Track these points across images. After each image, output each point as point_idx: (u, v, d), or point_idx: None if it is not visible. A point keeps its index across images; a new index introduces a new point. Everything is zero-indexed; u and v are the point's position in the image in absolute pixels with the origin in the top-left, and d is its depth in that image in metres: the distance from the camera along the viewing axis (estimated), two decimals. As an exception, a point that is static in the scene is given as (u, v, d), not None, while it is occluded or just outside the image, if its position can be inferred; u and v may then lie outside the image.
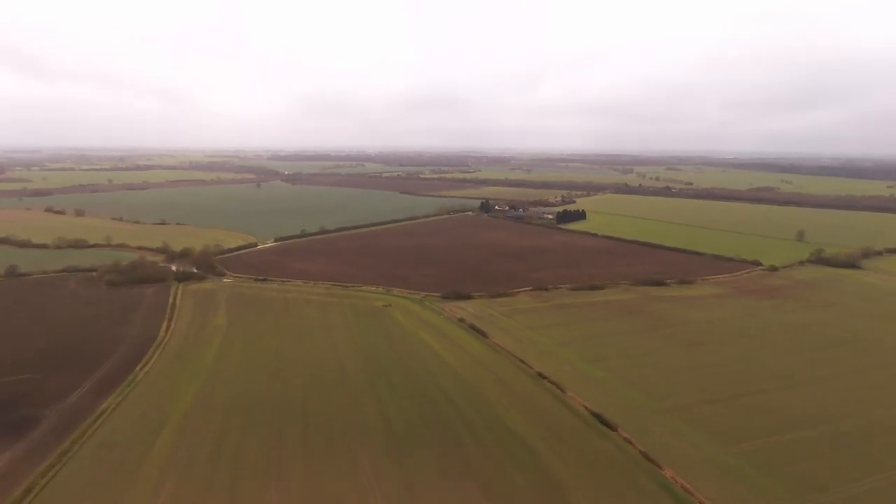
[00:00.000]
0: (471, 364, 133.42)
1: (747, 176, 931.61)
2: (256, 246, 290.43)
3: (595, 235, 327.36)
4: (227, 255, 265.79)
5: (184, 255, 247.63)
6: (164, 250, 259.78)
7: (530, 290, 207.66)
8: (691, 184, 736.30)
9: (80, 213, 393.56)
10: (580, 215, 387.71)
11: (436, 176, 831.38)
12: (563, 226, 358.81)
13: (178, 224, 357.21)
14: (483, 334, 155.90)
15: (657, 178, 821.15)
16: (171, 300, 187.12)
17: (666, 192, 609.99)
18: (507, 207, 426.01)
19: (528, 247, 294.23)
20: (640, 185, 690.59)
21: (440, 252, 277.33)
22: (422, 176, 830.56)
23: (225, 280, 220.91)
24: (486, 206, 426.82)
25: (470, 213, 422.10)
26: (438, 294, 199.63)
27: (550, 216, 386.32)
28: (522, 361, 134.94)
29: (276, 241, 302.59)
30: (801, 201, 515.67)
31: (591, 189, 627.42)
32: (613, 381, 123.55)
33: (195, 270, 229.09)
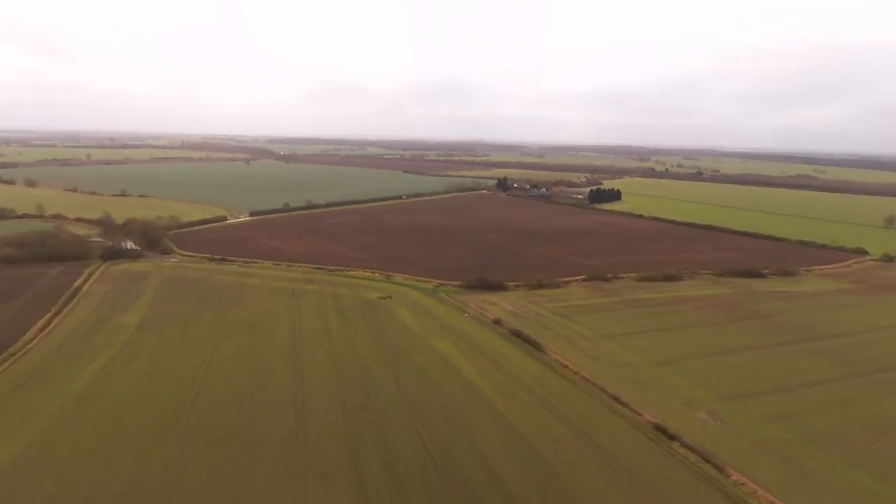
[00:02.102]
0: (529, 405, 76.81)
1: (774, 166, 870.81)
2: (226, 220, 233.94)
3: (640, 217, 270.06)
4: (184, 229, 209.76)
5: (125, 227, 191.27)
6: (103, 222, 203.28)
7: (583, 280, 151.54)
8: (718, 171, 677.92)
9: (31, 184, 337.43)
10: (615, 195, 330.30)
11: (442, 158, 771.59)
12: (597, 206, 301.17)
13: (140, 196, 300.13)
14: (535, 346, 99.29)
15: (679, 166, 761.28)
16: (77, 285, 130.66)
17: (697, 176, 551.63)
18: (529, 186, 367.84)
19: (564, 228, 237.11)
20: (666, 169, 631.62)
21: (456, 231, 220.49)
22: (427, 158, 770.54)
23: (170, 259, 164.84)
24: (503, 184, 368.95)
25: (485, 191, 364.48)
26: (458, 283, 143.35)
27: (580, 196, 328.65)
28: (616, 399, 78.38)
29: (251, 215, 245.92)
30: (855, 189, 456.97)
31: (614, 173, 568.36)
32: (799, 446, 66.77)
33: (133, 247, 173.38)
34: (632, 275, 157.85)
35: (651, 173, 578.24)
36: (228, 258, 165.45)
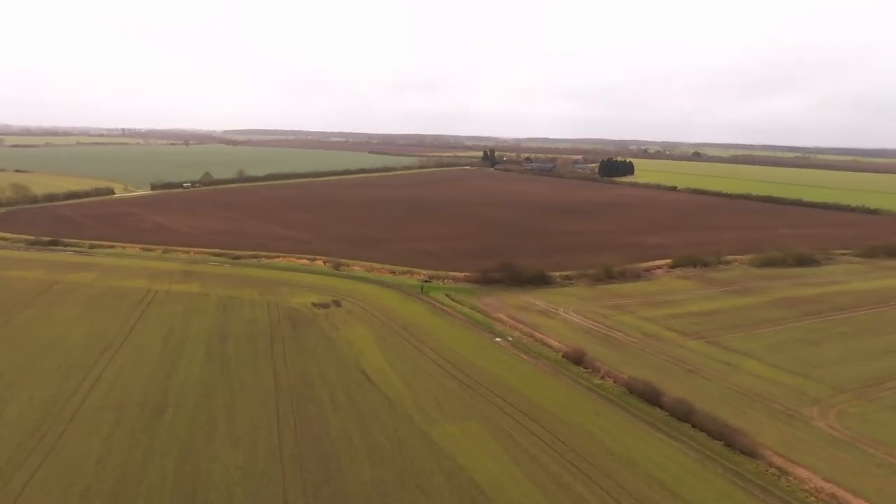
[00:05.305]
0: None
1: (759, 153, 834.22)
2: (112, 194, 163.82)
3: (675, 189, 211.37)
4: (38, 204, 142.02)
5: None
6: None
7: (670, 267, 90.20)
8: (707, 155, 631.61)
9: None
10: (628, 168, 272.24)
11: (413, 143, 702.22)
12: (615, 179, 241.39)
13: (17, 171, 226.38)
14: (728, 441, 35.73)
15: (668, 151, 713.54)
16: None
17: (695, 157, 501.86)
18: (524, 158, 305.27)
19: (587, 201, 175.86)
20: (657, 151, 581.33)
21: (442, 205, 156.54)
22: (397, 144, 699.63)
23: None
24: (491, 158, 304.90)
25: (468, 167, 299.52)
26: (463, 274, 79.39)
27: (588, 170, 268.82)
28: None
29: (153, 188, 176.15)
30: (872, 168, 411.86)
31: (605, 155, 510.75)
32: None
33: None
34: (739, 258, 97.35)
35: (644, 154, 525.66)
36: (65, 240, 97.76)
